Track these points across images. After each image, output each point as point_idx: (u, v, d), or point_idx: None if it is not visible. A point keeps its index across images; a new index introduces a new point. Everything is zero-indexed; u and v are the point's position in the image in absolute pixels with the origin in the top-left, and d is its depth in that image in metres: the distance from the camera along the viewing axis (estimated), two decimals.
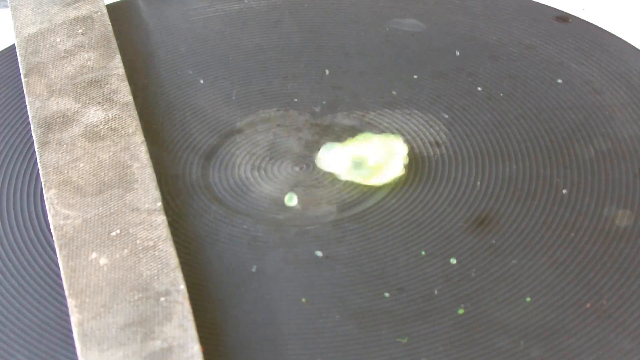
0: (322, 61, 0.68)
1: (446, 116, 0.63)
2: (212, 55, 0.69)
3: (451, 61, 0.68)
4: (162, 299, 0.49)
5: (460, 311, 0.50)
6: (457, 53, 0.68)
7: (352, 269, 0.53)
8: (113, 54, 0.67)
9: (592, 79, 0.65)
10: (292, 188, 0.59)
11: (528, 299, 0.51)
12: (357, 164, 0.58)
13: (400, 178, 0.58)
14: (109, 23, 0.70)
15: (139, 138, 0.59)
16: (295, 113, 0.64)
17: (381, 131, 0.62)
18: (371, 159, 0.59)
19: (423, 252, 0.54)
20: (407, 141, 0.61)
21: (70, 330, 0.49)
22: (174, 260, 0.51)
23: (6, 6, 0.74)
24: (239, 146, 0.62)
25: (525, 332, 0.49)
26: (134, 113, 0.61)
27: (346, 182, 0.59)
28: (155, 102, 0.65)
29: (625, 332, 0.49)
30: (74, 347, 0.48)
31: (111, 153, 0.58)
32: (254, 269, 0.53)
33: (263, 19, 0.73)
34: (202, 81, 0.66)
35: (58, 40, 0.68)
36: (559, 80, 0.62)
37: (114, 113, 0.61)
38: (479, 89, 0.65)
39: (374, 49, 0.69)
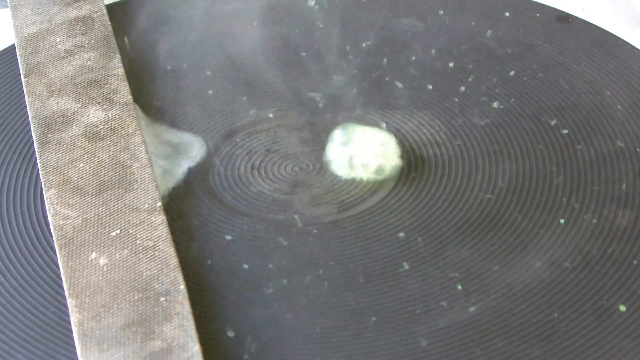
0: (322, 61, 0.68)
1: (446, 116, 0.63)
2: (212, 55, 0.69)
3: (451, 61, 0.68)
4: (162, 299, 0.49)
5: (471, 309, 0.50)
6: (457, 53, 0.68)
7: (352, 269, 0.53)
8: (113, 54, 0.67)
9: (592, 79, 0.65)
10: (292, 188, 0.59)
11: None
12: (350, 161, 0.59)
13: (400, 169, 0.59)
14: (109, 23, 0.70)
15: (139, 138, 0.59)
16: (295, 113, 0.64)
17: (381, 131, 0.62)
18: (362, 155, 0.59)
19: (435, 255, 0.54)
20: (407, 141, 0.61)
21: (70, 330, 0.49)
22: (174, 260, 0.51)
23: (6, 6, 0.74)
24: (239, 146, 0.62)
25: (525, 332, 0.49)
26: (134, 113, 0.61)
27: (347, 181, 0.59)
28: (155, 102, 0.65)
29: (625, 332, 0.49)
30: (74, 347, 0.48)
31: (111, 153, 0.58)
32: (253, 269, 0.53)
33: (263, 19, 0.73)
34: (203, 84, 0.67)
35: (58, 40, 0.68)
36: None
37: (114, 113, 0.61)
38: (479, 88, 0.65)
39: (373, 49, 0.69)
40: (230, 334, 0.50)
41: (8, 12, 0.72)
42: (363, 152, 0.59)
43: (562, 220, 0.55)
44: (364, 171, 0.58)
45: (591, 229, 0.55)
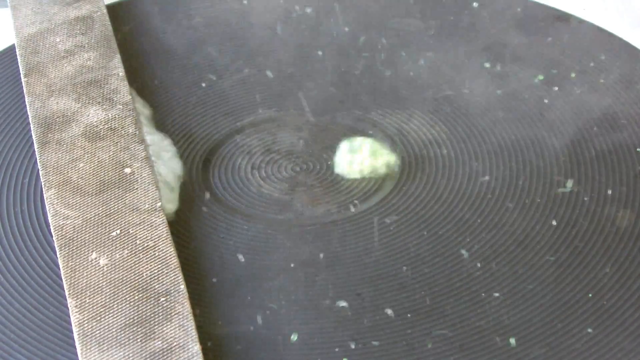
0: (322, 61, 0.68)
1: (446, 116, 0.63)
2: (212, 55, 0.69)
3: (451, 61, 0.68)
4: (162, 299, 0.49)
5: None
6: (457, 53, 0.68)
7: (352, 269, 0.53)
8: (113, 54, 0.67)
9: (592, 79, 0.65)
10: (293, 188, 0.59)
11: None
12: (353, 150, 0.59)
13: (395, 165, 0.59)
14: (109, 23, 0.70)
15: (139, 138, 0.59)
16: (295, 113, 0.64)
17: (381, 131, 0.62)
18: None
19: (435, 255, 0.54)
20: (407, 141, 0.61)
21: (71, 331, 0.49)
22: (174, 260, 0.51)
23: (6, 6, 0.74)
24: (239, 146, 0.62)
25: (525, 332, 0.49)
26: (134, 113, 0.61)
27: (347, 181, 0.59)
28: (155, 102, 0.65)
29: (625, 332, 0.49)
30: (74, 347, 0.48)
31: (111, 153, 0.58)
32: (253, 270, 0.53)
33: (263, 19, 0.73)
34: (203, 84, 0.66)
35: (58, 40, 0.68)
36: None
37: (113, 113, 0.61)
38: (479, 88, 0.65)
39: (374, 48, 0.69)
40: (230, 333, 0.50)
41: (8, 12, 0.72)
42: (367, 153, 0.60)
43: (559, 221, 0.55)
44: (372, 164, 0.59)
45: (591, 228, 0.55)
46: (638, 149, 0.60)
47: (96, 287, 0.50)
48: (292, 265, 0.54)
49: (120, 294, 0.50)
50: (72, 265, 0.51)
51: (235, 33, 0.72)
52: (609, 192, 0.57)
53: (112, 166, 0.57)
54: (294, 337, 0.50)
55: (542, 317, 0.50)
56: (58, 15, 0.70)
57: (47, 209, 0.55)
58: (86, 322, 0.48)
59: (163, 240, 0.53)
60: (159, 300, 0.49)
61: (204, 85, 0.67)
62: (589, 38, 0.69)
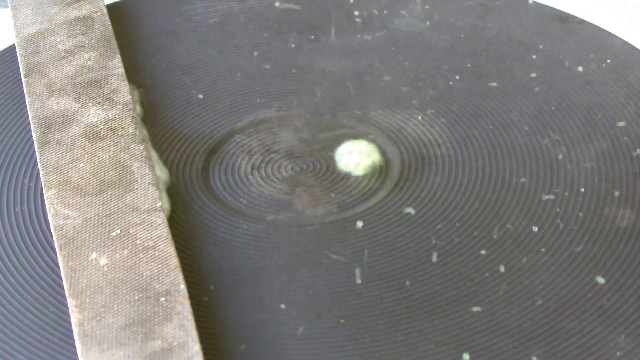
0: (321, 61, 0.68)
1: (446, 116, 0.63)
2: (212, 55, 0.69)
3: (451, 61, 0.68)
4: (162, 299, 0.49)
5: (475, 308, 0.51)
6: (457, 53, 0.68)
7: (352, 269, 0.53)
8: (113, 54, 0.67)
9: (592, 79, 0.65)
10: (293, 188, 0.59)
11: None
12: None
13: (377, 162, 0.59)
14: (109, 23, 0.70)
15: (139, 138, 0.60)
16: (295, 113, 0.64)
17: (381, 131, 0.62)
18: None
19: (435, 255, 0.54)
20: (407, 141, 0.61)
21: (71, 330, 0.49)
22: (174, 260, 0.52)
23: (6, 6, 0.74)
24: (239, 146, 0.62)
25: (525, 332, 0.49)
26: (134, 113, 0.62)
27: (347, 181, 0.59)
28: (155, 101, 0.65)
29: (625, 332, 0.49)
30: (74, 347, 0.48)
31: (111, 153, 0.58)
32: (254, 270, 0.53)
33: (263, 19, 0.73)
34: (200, 96, 0.66)
35: (58, 40, 0.68)
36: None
37: (114, 113, 0.62)
38: (479, 89, 0.65)
39: (373, 49, 0.69)
40: (231, 333, 0.50)
41: (8, 12, 0.72)
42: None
43: (559, 221, 0.55)
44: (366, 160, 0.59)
45: (591, 228, 0.55)
46: (638, 150, 0.60)
47: (96, 287, 0.50)
48: (292, 265, 0.54)
49: (120, 293, 0.50)
50: (72, 265, 0.52)
51: (235, 32, 0.72)
52: (609, 192, 0.57)
53: (112, 166, 0.57)
54: (294, 337, 0.50)
55: (542, 317, 0.50)
56: (58, 16, 0.70)
57: (47, 209, 0.55)
58: (86, 322, 0.48)
59: (163, 240, 0.53)
60: (159, 300, 0.49)
61: (204, 85, 0.67)
62: (589, 38, 0.69)
